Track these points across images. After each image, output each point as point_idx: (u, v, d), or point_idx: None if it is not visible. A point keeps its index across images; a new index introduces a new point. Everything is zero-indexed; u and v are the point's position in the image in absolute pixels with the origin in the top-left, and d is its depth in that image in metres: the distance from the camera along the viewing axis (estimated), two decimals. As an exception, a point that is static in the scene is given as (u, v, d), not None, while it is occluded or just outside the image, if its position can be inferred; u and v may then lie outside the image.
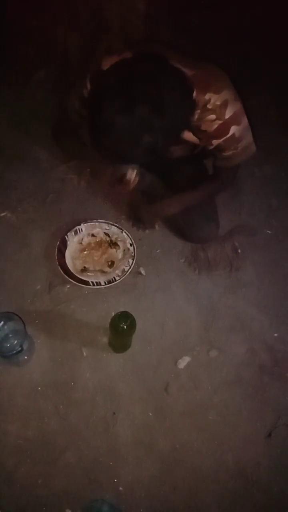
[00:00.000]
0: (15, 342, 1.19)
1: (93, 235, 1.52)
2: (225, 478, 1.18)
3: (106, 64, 1.04)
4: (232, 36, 1.81)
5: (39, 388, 1.26)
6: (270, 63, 1.86)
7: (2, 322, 1.18)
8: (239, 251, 1.58)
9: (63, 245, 1.47)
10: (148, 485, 1.16)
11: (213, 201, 1.54)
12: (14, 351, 1.18)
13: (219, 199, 1.56)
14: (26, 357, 1.28)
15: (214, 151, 1.17)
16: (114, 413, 1.24)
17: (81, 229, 1.51)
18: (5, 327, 1.19)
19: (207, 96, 1.03)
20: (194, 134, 1.14)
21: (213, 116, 1.06)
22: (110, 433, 1.22)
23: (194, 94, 1.02)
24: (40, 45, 1.78)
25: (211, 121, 1.07)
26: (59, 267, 1.41)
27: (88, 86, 1.10)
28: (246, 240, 1.61)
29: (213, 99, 1.04)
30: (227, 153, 1.16)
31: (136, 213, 1.54)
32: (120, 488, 1.15)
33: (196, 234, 1.52)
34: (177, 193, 1.44)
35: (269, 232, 1.65)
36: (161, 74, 0.90)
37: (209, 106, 1.05)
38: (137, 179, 1.59)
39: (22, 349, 1.20)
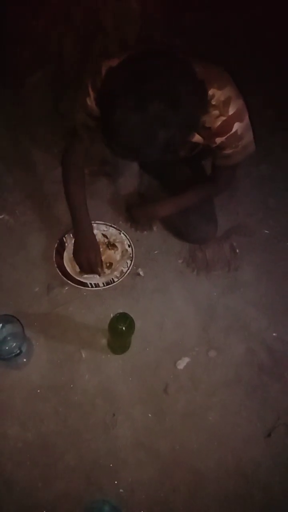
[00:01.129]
0: (14, 344, 1.19)
1: (91, 237, 1.52)
2: (225, 479, 1.18)
3: (111, 65, 1.04)
4: (227, 37, 1.81)
5: (38, 391, 1.26)
6: (266, 64, 1.87)
7: (1, 325, 1.18)
8: (237, 251, 1.58)
9: (61, 247, 1.47)
10: (148, 487, 1.16)
11: (211, 202, 1.54)
12: (13, 354, 1.18)
13: (217, 200, 1.56)
14: (25, 360, 1.28)
15: (215, 149, 1.17)
16: (113, 415, 1.24)
17: (79, 231, 1.51)
18: (4, 330, 1.20)
19: (210, 92, 1.03)
20: (198, 132, 1.13)
21: (216, 112, 1.06)
22: (109, 435, 1.21)
23: None
24: (36, 47, 1.77)
25: (215, 117, 1.07)
26: (57, 269, 1.41)
27: (91, 93, 1.08)
28: (244, 240, 1.61)
29: (217, 95, 1.03)
30: (228, 151, 1.15)
31: (132, 214, 1.54)
32: (121, 490, 1.15)
33: (194, 234, 1.52)
34: (175, 194, 1.44)
35: (267, 232, 1.66)
36: (173, 68, 0.87)
37: (213, 102, 1.04)
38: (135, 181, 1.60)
39: (20, 352, 1.20)
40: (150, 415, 1.25)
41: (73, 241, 1.48)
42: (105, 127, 0.91)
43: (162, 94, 0.84)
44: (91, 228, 1.42)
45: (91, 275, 1.42)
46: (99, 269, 1.41)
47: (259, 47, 1.82)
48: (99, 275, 1.42)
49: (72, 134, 1.24)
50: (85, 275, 1.42)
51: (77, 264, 1.42)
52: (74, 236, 1.43)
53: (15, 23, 1.71)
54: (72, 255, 1.47)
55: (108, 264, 1.47)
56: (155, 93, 0.84)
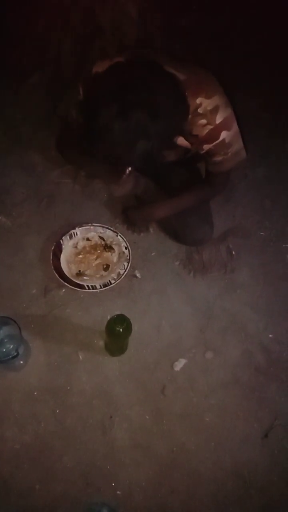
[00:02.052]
0: (11, 346, 1.19)
1: (88, 239, 1.52)
2: (223, 480, 1.19)
3: (98, 70, 1.05)
4: (224, 39, 1.82)
5: (36, 393, 1.26)
6: (263, 67, 1.88)
7: (-2, 327, 1.18)
8: (234, 253, 1.58)
9: (58, 249, 1.47)
10: (146, 488, 1.16)
11: (207, 204, 1.54)
12: (10, 356, 1.18)
13: (213, 202, 1.57)
14: (22, 362, 1.28)
15: (205, 156, 1.18)
16: (111, 417, 1.24)
17: (76, 233, 1.51)
18: (1, 331, 1.20)
19: (198, 101, 1.04)
20: (186, 139, 1.15)
21: (204, 121, 1.07)
22: (107, 436, 1.21)
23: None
24: (34, 49, 1.78)
25: (202, 126, 1.08)
26: (54, 271, 1.41)
27: (82, 92, 1.10)
28: (240, 242, 1.62)
29: (204, 103, 1.05)
30: (218, 158, 1.17)
31: (128, 216, 1.54)
32: (118, 492, 1.15)
33: (190, 236, 1.53)
34: (171, 196, 1.44)
35: (263, 234, 1.66)
36: (156, 79, 0.91)
37: (200, 111, 1.06)
38: (132, 181, 1.60)
39: (18, 354, 1.19)
40: (147, 416, 1.26)
41: (69, 243, 1.49)
42: (87, 133, 0.94)
43: (144, 105, 0.87)
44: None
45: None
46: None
47: (256, 50, 1.84)
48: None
49: (65, 124, 1.26)
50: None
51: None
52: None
53: (14, 25, 1.71)
54: (69, 257, 1.47)
55: (105, 266, 1.47)
56: (137, 103, 0.87)
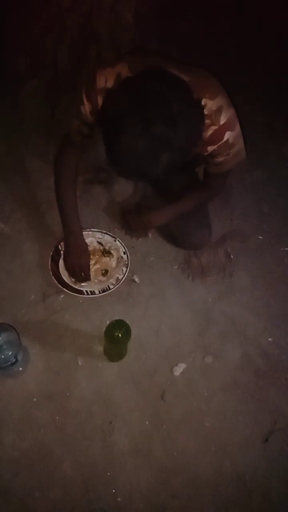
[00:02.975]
0: (10, 353, 1.18)
1: (86, 244, 1.52)
2: (223, 484, 1.18)
3: (101, 78, 1.05)
4: (220, 45, 1.83)
5: (35, 399, 1.26)
6: (259, 71, 1.89)
7: (-4, 334, 1.18)
8: (232, 256, 1.59)
9: (57, 254, 1.47)
10: (146, 494, 1.15)
11: (205, 208, 1.55)
12: (9, 363, 1.17)
13: (211, 206, 1.58)
14: (21, 368, 1.27)
15: (207, 157, 1.19)
16: (110, 422, 1.24)
17: (74, 238, 1.51)
18: None
19: (203, 102, 1.04)
20: None
21: (208, 122, 1.07)
22: (107, 442, 1.21)
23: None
24: (31, 55, 1.78)
25: (207, 127, 1.08)
26: (52, 276, 1.41)
27: (86, 102, 1.10)
28: (238, 246, 1.62)
29: (209, 104, 1.05)
30: (220, 159, 1.17)
31: (129, 223, 1.54)
32: (119, 499, 1.14)
33: (189, 240, 1.53)
34: (170, 201, 1.44)
35: (261, 237, 1.67)
36: (170, 89, 0.90)
37: (204, 112, 1.06)
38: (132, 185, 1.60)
39: (16, 360, 1.19)
40: (147, 422, 1.25)
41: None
42: (111, 152, 0.93)
43: (163, 118, 0.87)
44: (81, 232, 1.42)
45: (85, 283, 1.42)
46: (90, 275, 1.43)
47: (252, 54, 1.85)
48: (90, 280, 1.43)
49: (65, 138, 1.25)
50: (79, 283, 1.42)
51: (67, 270, 1.43)
52: (64, 240, 1.42)
53: (11, 31, 1.72)
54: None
55: (103, 271, 1.47)
56: (156, 117, 0.86)
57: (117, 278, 1.44)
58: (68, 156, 1.30)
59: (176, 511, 1.14)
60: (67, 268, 1.43)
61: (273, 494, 1.18)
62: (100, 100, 1.05)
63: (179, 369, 1.34)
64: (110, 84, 1.04)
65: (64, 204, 1.35)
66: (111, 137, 0.92)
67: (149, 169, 0.93)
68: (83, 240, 1.44)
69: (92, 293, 1.40)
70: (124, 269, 1.45)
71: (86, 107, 1.10)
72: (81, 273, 1.42)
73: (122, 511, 1.13)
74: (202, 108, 1.03)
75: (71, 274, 1.42)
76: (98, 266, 1.48)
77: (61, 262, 1.46)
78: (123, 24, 1.67)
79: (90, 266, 1.47)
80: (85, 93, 1.09)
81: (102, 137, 0.94)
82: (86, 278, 1.42)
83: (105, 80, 1.04)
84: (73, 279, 1.42)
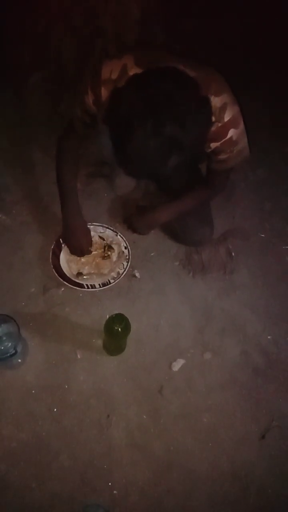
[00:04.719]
0: (9, 344, 1.18)
1: (87, 238, 1.52)
2: (220, 480, 1.18)
3: (106, 69, 1.05)
4: (225, 42, 1.82)
5: (33, 391, 1.26)
6: (263, 69, 1.88)
7: (-4, 325, 1.18)
8: (233, 254, 1.59)
9: (58, 247, 1.47)
10: (142, 488, 1.16)
11: (208, 205, 1.55)
12: (8, 354, 1.17)
13: (214, 203, 1.57)
14: (20, 360, 1.28)
15: (210, 154, 1.18)
16: (108, 416, 1.24)
17: (76, 232, 1.51)
18: (-1, 329, 1.19)
19: None
20: None
21: (212, 118, 1.07)
22: (104, 436, 1.21)
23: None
24: (36, 48, 1.78)
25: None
26: (53, 269, 1.41)
27: (90, 93, 1.09)
28: (240, 244, 1.62)
29: (213, 101, 1.04)
30: (223, 156, 1.17)
31: (133, 224, 1.53)
32: (115, 492, 1.15)
33: (190, 237, 1.53)
34: (173, 198, 1.44)
35: (263, 235, 1.67)
36: (179, 88, 0.89)
37: None
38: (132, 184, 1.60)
39: (16, 352, 1.19)
40: (144, 416, 1.25)
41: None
42: (120, 153, 0.93)
43: (173, 117, 0.86)
44: (80, 212, 1.42)
45: (86, 276, 1.43)
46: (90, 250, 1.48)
47: (257, 52, 1.84)
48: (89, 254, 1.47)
49: (68, 125, 1.25)
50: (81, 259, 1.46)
51: (68, 248, 1.45)
52: (63, 219, 1.42)
53: (15, 25, 1.71)
54: (68, 256, 1.47)
55: (104, 267, 1.47)
56: (166, 117, 0.86)
57: (118, 272, 1.44)
58: (70, 142, 1.30)
59: (171, 506, 1.15)
60: (68, 246, 1.45)
61: (269, 490, 1.18)
62: (104, 92, 1.05)
63: (177, 365, 1.34)
64: (114, 76, 1.04)
65: (64, 185, 1.35)
66: (120, 138, 0.91)
67: (159, 169, 0.93)
68: (82, 219, 1.44)
69: (93, 286, 1.40)
70: (125, 263, 1.45)
71: (90, 97, 1.09)
72: (82, 251, 1.44)
73: (118, 504, 1.13)
74: (211, 106, 1.02)
75: (73, 252, 1.45)
76: (99, 260, 1.48)
77: (62, 256, 1.46)
78: (129, 19, 1.66)
79: (91, 261, 1.47)
80: (89, 83, 1.09)
81: (109, 136, 0.93)
82: (85, 254, 1.46)
83: (110, 71, 1.04)
84: (74, 273, 1.43)
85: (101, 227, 1.53)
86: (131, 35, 1.71)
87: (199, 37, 1.78)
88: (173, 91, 0.88)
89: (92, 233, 1.52)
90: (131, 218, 1.53)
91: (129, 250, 1.48)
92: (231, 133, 1.10)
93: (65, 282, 1.39)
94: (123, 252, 1.49)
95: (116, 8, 1.64)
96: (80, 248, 1.44)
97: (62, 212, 1.40)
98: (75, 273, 1.44)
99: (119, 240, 1.51)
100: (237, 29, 1.83)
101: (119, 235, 1.52)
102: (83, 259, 1.47)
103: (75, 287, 1.39)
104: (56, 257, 1.45)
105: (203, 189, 1.41)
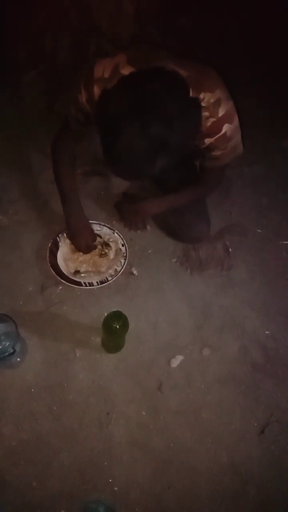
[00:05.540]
0: (7, 344, 1.18)
1: (85, 236, 1.52)
2: (220, 476, 1.19)
3: (99, 68, 1.05)
4: (222, 38, 1.82)
5: (32, 390, 1.26)
6: (261, 65, 1.88)
7: (-6, 324, 1.18)
8: (231, 250, 1.59)
9: (55, 246, 1.47)
10: (143, 485, 1.16)
11: (204, 201, 1.55)
12: (7, 353, 1.17)
13: (210, 199, 1.57)
14: (18, 359, 1.28)
15: (204, 151, 1.18)
16: (108, 414, 1.24)
17: (73, 231, 1.51)
18: (-3, 329, 1.19)
19: (201, 95, 1.04)
20: None
21: (207, 114, 1.07)
22: (104, 433, 1.22)
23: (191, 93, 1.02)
24: (31, 47, 1.78)
25: (205, 119, 1.08)
26: (51, 268, 1.41)
27: (83, 92, 1.09)
28: (237, 240, 1.62)
29: (207, 97, 1.05)
30: (216, 153, 1.17)
31: (122, 211, 1.54)
32: (115, 488, 1.15)
33: (187, 234, 1.53)
34: (168, 193, 1.44)
35: (260, 231, 1.67)
36: (167, 90, 0.89)
37: (203, 104, 1.05)
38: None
39: (14, 351, 1.19)
40: (144, 413, 1.26)
41: (66, 240, 1.49)
42: (108, 152, 0.93)
43: (161, 118, 0.87)
44: (82, 211, 1.43)
45: (84, 274, 1.44)
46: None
47: (254, 48, 1.84)
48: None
49: (63, 123, 1.25)
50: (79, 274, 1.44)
51: (74, 246, 1.47)
52: (66, 219, 1.43)
53: (11, 23, 1.71)
54: (65, 255, 1.47)
55: (101, 264, 1.47)
56: (154, 118, 0.86)
57: (116, 270, 1.44)
58: (66, 140, 1.30)
59: (172, 501, 1.15)
60: (75, 246, 1.47)
61: (268, 486, 1.19)
62: (96, 90, 1.05)
63: (176, 361, 1.34)
64: (107, 74, 1.04)
65: (63, 185, 1.36)
66: (108, 138, 0.91)
67: (146, 170, 0.93)
68: (85, 217, 1.46)
69: (91, 284, 1.40)
70: (123, 261, 1.45)
71: (83, 96, 1.10)
72: (89, 248, 1.47)
73: (119, 501, 1.13)
74: (200, 107, 1.03)
75: (79, 249, 1.48)
76: (97, 258, 1.48)
77: (59, 254, 1.46)
78: (124, 17, 1.66)
79: (88, 258, 1.47)
80: (83, 81, 1.09)
81: (99, 136, 0.94)
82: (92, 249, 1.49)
83: (103, 70, 1.04)
84: (72, 271, 1.43)
85: (98, 225, 1.53)
86: (126, 33, 1.70)
87: (195, 33, 1.78)
88: (161, 91, 0.88)
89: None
90: (121, 207, 1.54)
91: (127, 247, 1.48)
92: (225, 128, 1.10)
93: (62, 281, 1.39)
94: (120, 249, 1.49)
95: (111, 6, 1.63)
96: (87, 245, 1.46)
97: (64, 211, 1.41)
98: (72, 271, 1.44)
99: (116, 238, 1.51)
100: (233, 25, 1.83)
101: (116, 233, 1.52)
102: (80, 258, 1.47)
103: (73, 285, 1.39)
104: (54, 255, 1.45)
105: (198, 186, 1.41)
